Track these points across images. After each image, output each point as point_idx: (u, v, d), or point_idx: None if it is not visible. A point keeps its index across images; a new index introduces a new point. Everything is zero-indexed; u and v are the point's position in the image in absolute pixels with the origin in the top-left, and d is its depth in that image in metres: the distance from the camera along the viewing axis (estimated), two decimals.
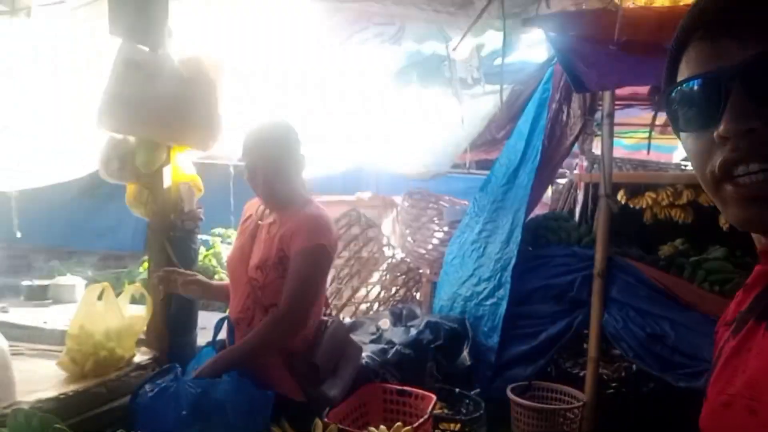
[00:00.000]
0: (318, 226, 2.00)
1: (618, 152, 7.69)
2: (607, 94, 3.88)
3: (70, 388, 1.80)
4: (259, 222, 2.14)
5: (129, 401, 1.92)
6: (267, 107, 3.07)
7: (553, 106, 4.14)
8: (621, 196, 5.58)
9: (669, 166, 7.10)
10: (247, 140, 2.05)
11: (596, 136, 6.73)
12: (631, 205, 5.62)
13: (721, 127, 0.64)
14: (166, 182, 2.22)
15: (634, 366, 4.56)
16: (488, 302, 4.03)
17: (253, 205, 2.26)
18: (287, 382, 2.01)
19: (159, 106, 2.05)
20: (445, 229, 5.11)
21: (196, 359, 2.14)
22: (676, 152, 7.64)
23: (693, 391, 3.67)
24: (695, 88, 0.69)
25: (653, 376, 4.37)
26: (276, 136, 2.05)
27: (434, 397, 3.26)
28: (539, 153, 4.01)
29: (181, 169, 2.29)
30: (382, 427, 1.98)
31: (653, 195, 5.60)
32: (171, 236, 2.22)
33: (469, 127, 3.63)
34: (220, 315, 2.28)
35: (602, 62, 2.83)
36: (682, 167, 6.69)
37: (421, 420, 3.07)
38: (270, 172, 2.01)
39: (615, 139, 7.44)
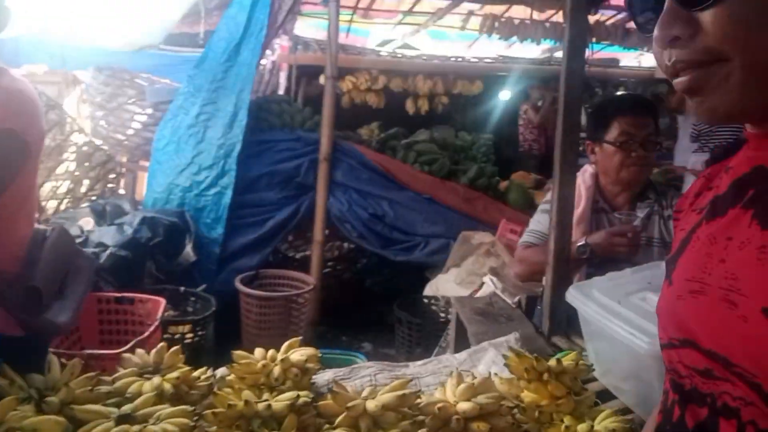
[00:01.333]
0: (8, 104, 1.44)
1: (319, 33, 7.65)
2: None
3: None
4: None
5: None
6: None
7: None
8: (324, 79, 5.59)
9: (366, 50, 7.32)
10: None
11: (300, 15, 6.55)
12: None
13: (654, 33, 0.64)
14: None
15: (345, 244, 4.81)
16: (211, 192, 3.72)
17: None
18: None
19: None
20: (149, 111, 4.47)
21: None
22: (370, 37, 7.90)
23: (405, 263, 4.01)
24: None
25: (365, 252, 4.67)
26: None
27: (163, 301, 2.95)
28: (264, 28, 3.67)
29: None
30: (140, 350, 1.64)
31: (353, 79, 5.74)
32: None
33: None
34: None
35: None
36: (379, 53, 6.95)
37: (152, 328, 2.74)
38: None
39: (316, 20, 7.36)
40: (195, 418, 1.38)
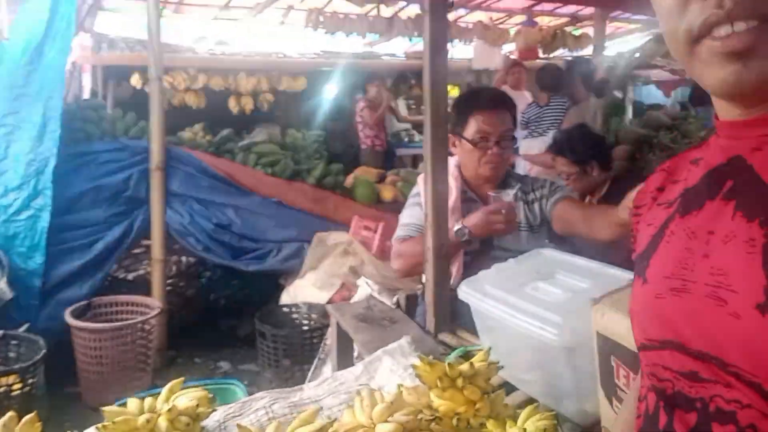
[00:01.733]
0: None
1: (125, 30, 7.02)
2: None
3: None
4: None
5: None
6: None
7: None
8: (136, 81, 5.17)
9: (181, 48, 6.87)
10: None
11: (101, 10, 5.99)
12: (148, 90, 5.28)
13: None
14: None
15: (184, 259, 4.47)
16: (23, 216, 3.20)
17: None
18: None
19: None
20: None
21: None
22: (184, 33, 7.42)
23: (258, 273, 3.81)
24: None
25: (208, 265, 4.38)
26: None
27: None
28: (72, 25, 3.22)
29: None
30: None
31: (170, 79, 5.37)
32: None
33: None
34: None
35: None
36: (195, 50, 6.55)
37: None
38: None
39: (119, 16, 6.75)
40: None
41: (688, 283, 0.63)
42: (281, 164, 3.92)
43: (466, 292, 1.60)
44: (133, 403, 1.45)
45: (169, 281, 4.27)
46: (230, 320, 4.43)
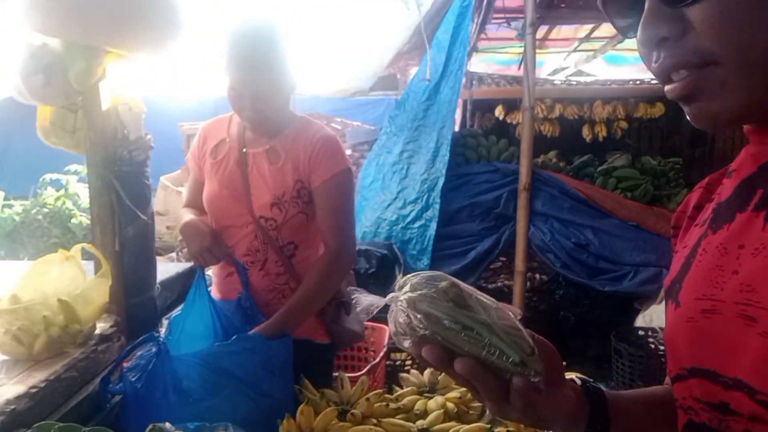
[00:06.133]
0: (336, 149, 1.73)
1: (491, 68, 7.78)
2: (529, 3, 3.74)
3: (36, 378, 1.35)
4: (245, 149, 1.75)
5: (101, 390, 1.53)
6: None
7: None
8: (499, 112, 5.65)
9: (539, 80, 7.32)
10: (234, 45, 1.61)
11: (475, 51, 6.68)
12: (508, 120, 5.73)
13: (638, 35, 0.59)
14: (105, 101, 1.71)
15: (538, 275, 4.76)
16: (416, 225, 3.89)
17: (219, 127, 1.83)
18: (309, 323, 1.76)
19: None
20: (348, 152, 4.83)
21: (174, 327, 1.75)
22: (544, 66, 7.90)
23: (613, 294, 3.88)
24: None
25: (561, 284, 4.58)
26: (270, 41, 1.64)
27: (387, 329, 3.10)
28: (463, 66, 3.82)
29: (118, 85, 1.78)
30: (414, 371, 1.76)
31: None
32: (117, 171, 1.73)
33: (395, 37, 3.32)
34: (175, 264, 1.91)
35: None
36: (553, 82, 6.91)
37: (381, 354, 2.91)
38: (265, 89, 1.62)
39: (489, 55, 7.44)
40: None
41: (718, 303, 0.59)
42: (641, 189, 3.94)
43: None
44: None
45: (525, 295, 4.63)
46: (577, 339, 4.56)
